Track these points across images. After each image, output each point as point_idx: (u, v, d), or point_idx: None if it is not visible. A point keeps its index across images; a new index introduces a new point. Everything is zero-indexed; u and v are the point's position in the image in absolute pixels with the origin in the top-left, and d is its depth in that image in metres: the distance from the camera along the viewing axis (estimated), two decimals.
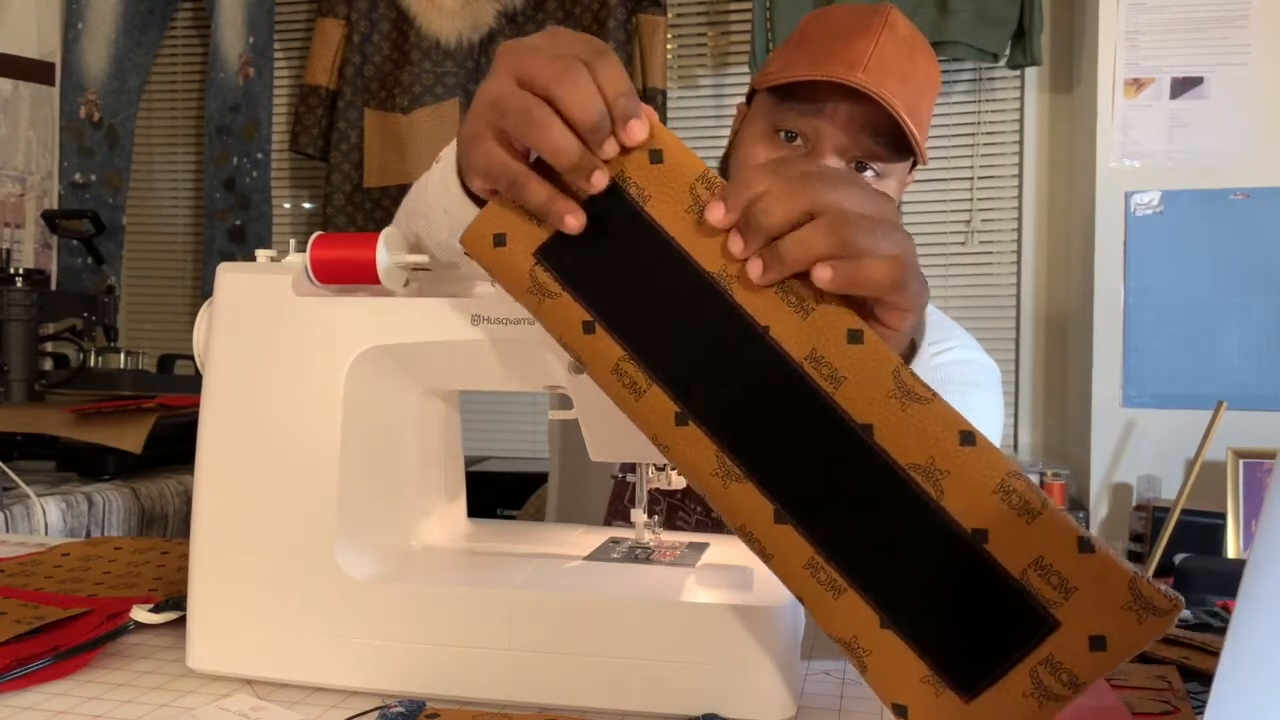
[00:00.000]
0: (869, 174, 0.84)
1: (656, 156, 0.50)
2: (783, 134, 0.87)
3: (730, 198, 0.48)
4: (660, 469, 0.66)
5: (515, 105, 0.48)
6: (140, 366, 1.93)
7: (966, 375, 0.86)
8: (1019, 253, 2.69)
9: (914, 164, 0.90)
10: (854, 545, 0.46)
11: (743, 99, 0.97)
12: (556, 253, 0.51)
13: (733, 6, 2.86)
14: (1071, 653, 0.43)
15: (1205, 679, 0.61)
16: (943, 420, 0.46)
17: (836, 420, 0.46)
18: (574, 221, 0.49)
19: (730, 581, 0.59)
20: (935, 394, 0.46)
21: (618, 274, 0.50)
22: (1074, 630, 0.43)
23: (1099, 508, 2.40)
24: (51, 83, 3.17)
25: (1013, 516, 0.44)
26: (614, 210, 0.50)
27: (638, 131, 0.48)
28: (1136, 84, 2.34)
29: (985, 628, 0.44)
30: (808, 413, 0.47)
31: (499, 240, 0.52)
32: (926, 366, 0.84)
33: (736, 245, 0.47)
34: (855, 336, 0.47)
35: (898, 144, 0.84)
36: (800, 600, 0.48)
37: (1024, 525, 0.44)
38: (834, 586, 0.47)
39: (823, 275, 0.46)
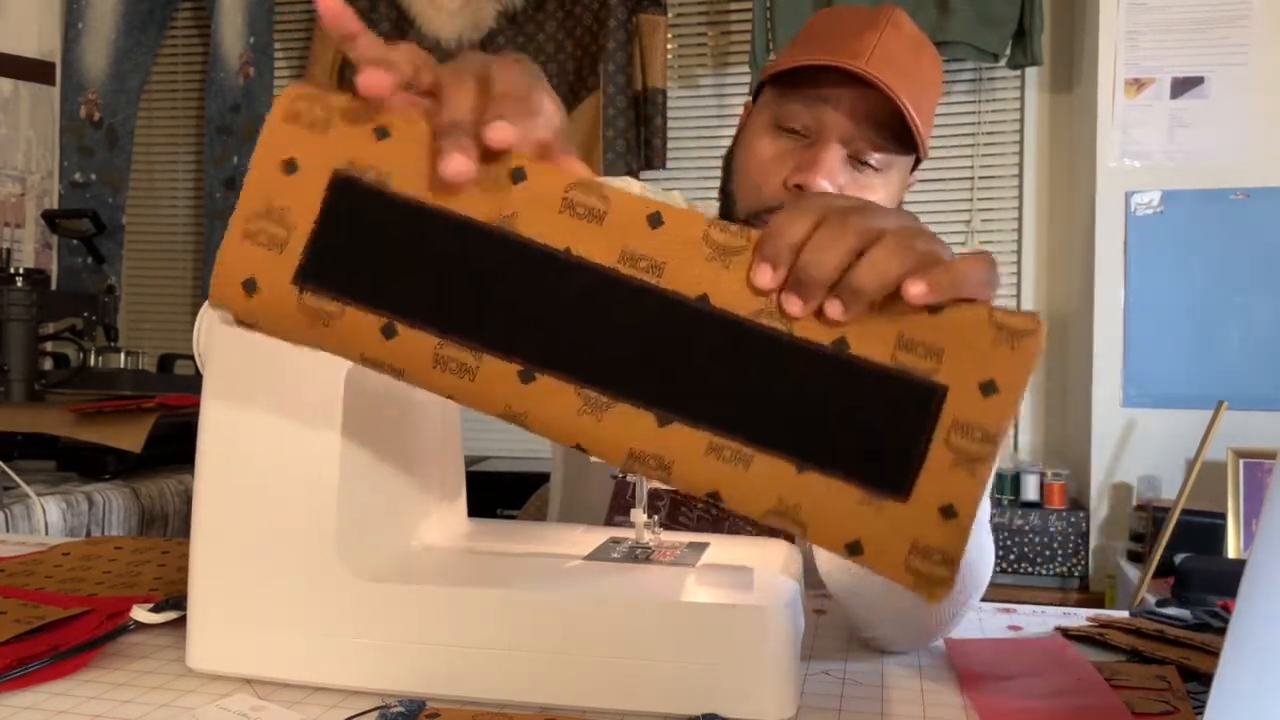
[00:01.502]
0: (871, 166, 0.84)
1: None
2: (785, 127, 0.88)
3: (770, 256, 0.45)
4: None
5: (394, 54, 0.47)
6: (140, 366, 1.94)
7: None
8: (1019, 253, 2.69)
9: (916, 163, 0.90)
10: (739, 410, 0.46)
11: (748, 98, 0.98)
12: (318, 270, 0.47)
13: (733, 6, 2.86)
14: (971, 408, 0.44)
15: (1205, 679, 0.61)
16: None
17: (672, 305, 0.46)
18: (453, 166, 0.45)
19: (730, 581, 0.59)
20: (749, 236, 0.46)
21: (395, 264, 0.47)
22: (962, 387, 0.44)
23: (1099, 508, 2.41)
24: (52, 82, 3.17)
25: (862, 316, 0.45)
26: (362, 202, 0.47)
27: (496, 135, 0.45)
28: (1137, 84, 2.34)
29: (886, 424, 0.44)
30: (644, 311, 0.46)
31: (250, 287, 0.48)
32: None
33: (794, 305, 0.45)
34: (655, 220, 0.46)
35: (900, 137, 0.85)
36: (717, 495, 0.46)
37: (871, 317, 0.45)
38: (740, 458, 0.45)
39: (915, 290, 0.44)
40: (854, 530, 0.45)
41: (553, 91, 0.49)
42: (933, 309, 0.44)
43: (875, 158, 0.85)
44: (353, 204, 0.47)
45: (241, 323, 0.49)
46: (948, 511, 0.44)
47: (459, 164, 0.44)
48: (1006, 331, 0.44)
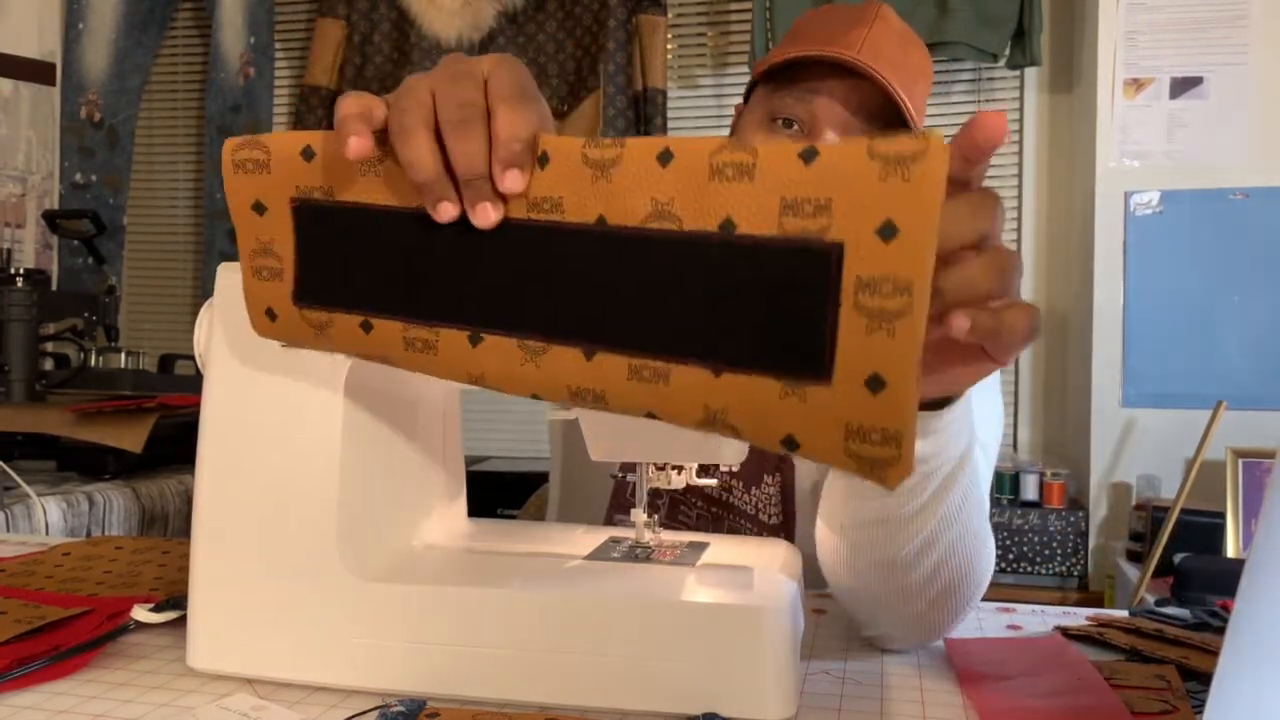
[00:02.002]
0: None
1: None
2: (779, 121, 0.88)
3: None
4: (660, 468, 0.66)
5: (402, 103, 0.47)
6: (141, 366, 1.93)
7: None
8: (1019, 252, 2.69)
9: None
10: (649, 326, 0.44)
11: (741, 99, 0.98)
12: (306, 288, 0.52)
13: (733, 6, 2.87)
14: (873, 260, 0.39)
15: (1205, 679, 0.61)
16: (639, 159, 0.44)
17: (577, 236, 0.45)
18: (484, 216, 0.46)
19: (730, 581, 0.59)
20: (622, 141, 0.44)
21: (355, 266, 0.51)
22: (857, 238, 0.39)
23: (1099, 507, 2.41)
24: (52, 83, 3.17)
25: (739, 187, 0.41)
26: (321, 219, 0.51)
27: (512, 183, 0.45)
28: (1136, 84, 2.34)
29: (786, 303, 0.41)
30: (555, 250, 0.46)
31: (271, 315, 0.54)
32: None
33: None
34: (542, 160, 0.46)
35: (894, 125, 0.85)
36: (653, 415, 0.46)
37: (751, 184, 0.41)
38: (658, 375, 0.44)
39: (961, 325, 0.42)
40: (785, 425, 0.42)
41: (538, 92, 0.49)
42: (807, 158, 0.40)
43: None
44: (314, 223, 0.51)
45: (284, 344, 0.56)
46: (875, 383, 0.39)
47: (489, 214, 0.46)
48: (893, 161, 0.38)
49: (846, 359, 0.40)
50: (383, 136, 0.48)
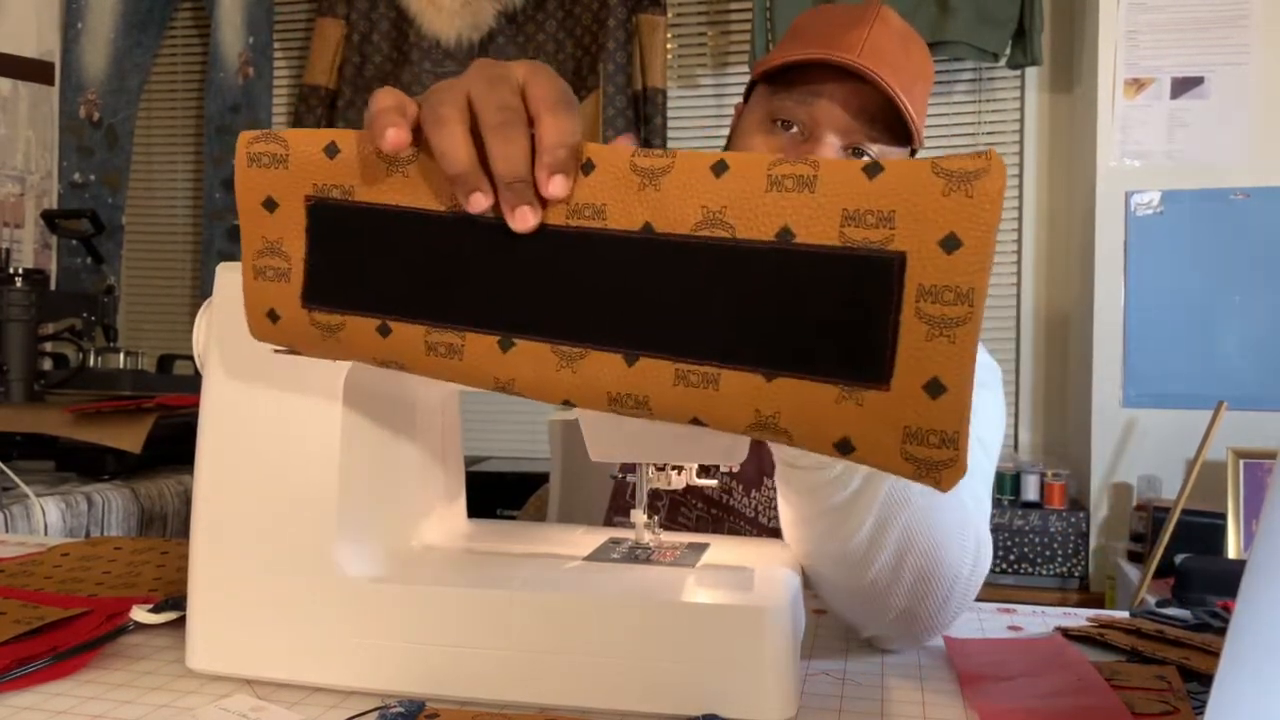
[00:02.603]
0: (867, 158, 0.84)
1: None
2: (779, 123, 0.88)
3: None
4: (660, 469, 0.66)
5: (436, 99, 0.47)
6: (140, 366, 1.93)
7: None
8: (1019, 253, 2.70)
9: (912, 154, 0.90)
10: (699, 332, 0.45)
11: (739, 100, 0.98)
12: (317, 289, 0.51)
13: (733, 6, 2.87)
14: (936, 270, 0.40)
15: (1205, 679, 0.61)
16: (691, 169, 0.44)
17: (620, 244, 0.45)
18: (523, 221, 0.46)
19: (730, 581, 0.59)
20: (673, 152, 0.45)
21: (375, 267, 0.50)
22: (921, 249, 0.41)
23: (1099, 508, 2.41)
24: (51, 82, 3.17)
25: (799, 198, 0.42)
26: (336, 218, 0.50)
27: (557, 188, 0.45)
28: (1136, 84, 2.34)
29: (847, 311, 0.42)
30: (596, 256, 0.46)
31: (273, 317, 0.52)
32: None
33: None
34: (587, 167, 0.46)
35: (894, 128, 0.85)
36: (699, 420, 0.46)
37: (812, 195, 0.42)
38: (707, 380, 0.45)
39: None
40: (839, 429, 0.43)
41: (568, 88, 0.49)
42: (870, 173, 0.41)
43: (871, 150, 0.86)
44: (330, 222, 0.50)
45: (278, 349, 0.54)
46: (934, 387, 0.41)
47: (529, 218, 0.46)
48: (956, 178, 0.40)
49: (906, 364, 0.41)
50: (413, 137, 0.47)
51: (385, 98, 0.47)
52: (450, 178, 0.46)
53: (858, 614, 0.66)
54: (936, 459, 0.41)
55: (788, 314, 0.43)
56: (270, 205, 0.51)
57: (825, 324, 0.42)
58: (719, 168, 0.44)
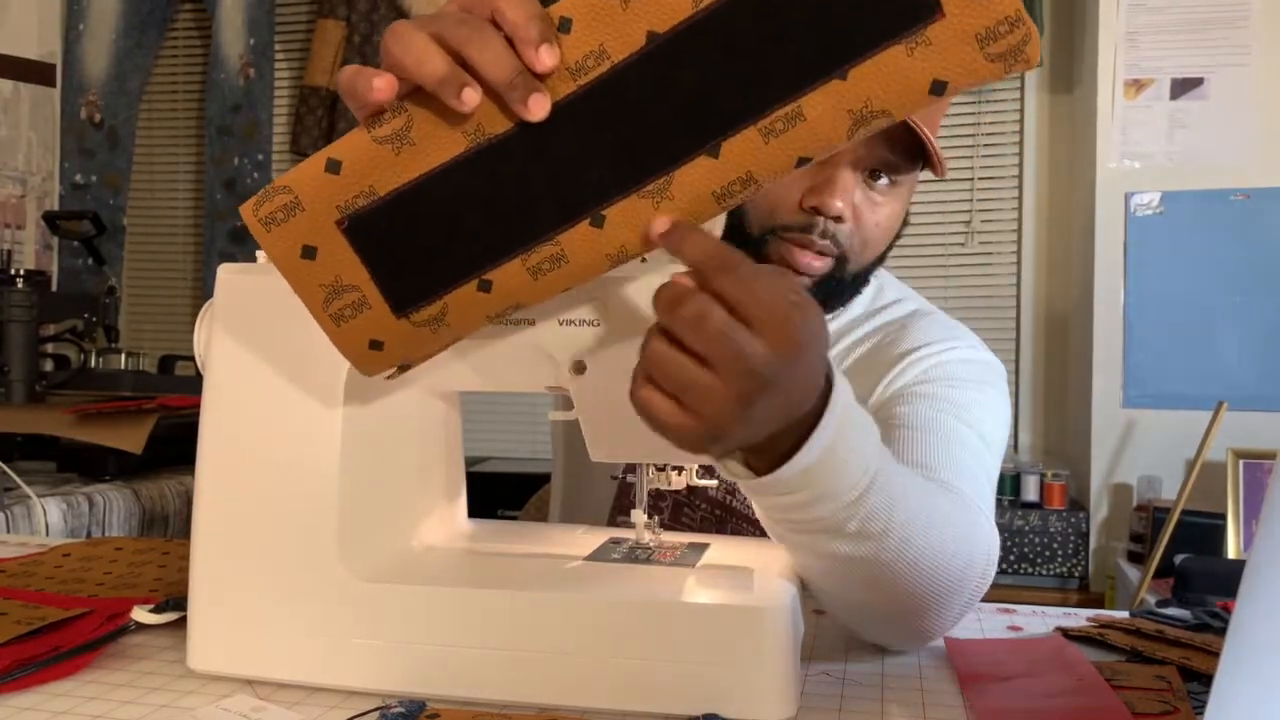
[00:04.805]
0: (883, 182, 0.83)
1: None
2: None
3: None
4: (661, 469, 0.66)
5: (397, 43, 0.46)
6: (141, 367, 1.94)
7: (972, 374, 0.86)
8: (1019, 253, 2.70)
9: (921, 166, 0.89)
10: (757, 86, 0.46)
11: None
12: (401, 295, 0.50)
13: None
14: (949, 42, 0.43)
15: (1205, 679, 0.61)
16: None
17: (640, 65, 0.46)
18: (538, 107, 0.46)
19: (730, 582, 0.59)
20: None
21: (442, 238, 0.49)
22: (955, 23, 0.43)
23: (1099, 508, 2.41)
24: (52, 84, 3.17)
25: None
26: (377, 222, 0.49)
27: (548, 57, 0.45)
28: (1136, 85, 2.34)
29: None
30: (622, 96, 0.46)
31: (376, 346, 0.51)
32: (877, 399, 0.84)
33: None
34: (564, 26, 0.46)
35: (912, 152, 0.84)
36: (805, 159, 0.47)
37: None
38: (795, 117, 0.46)
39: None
40: (926, 75, 0.45)
41: None
42: None
43: (886, 175, 0.84)
44: (372, 229, 0.49)
45: (390, 375, 0.55)
46: None
47: (542, 103, 0.46)
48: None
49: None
50: (396, 107, 0.47)
51: (346, 72, 0.47)
52: (436, 88, 0.45)
53: (863, 625, 0.66)
54: (1015, 43, 0.44)
55: (823, 9, 0.44)
56: (309, 253, 0.50)
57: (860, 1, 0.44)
58: None
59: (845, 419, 0.52)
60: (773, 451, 0.51)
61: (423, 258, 0.49)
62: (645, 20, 0.45)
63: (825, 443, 0.51)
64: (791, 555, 0.62)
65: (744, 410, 0.46)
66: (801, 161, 0.47)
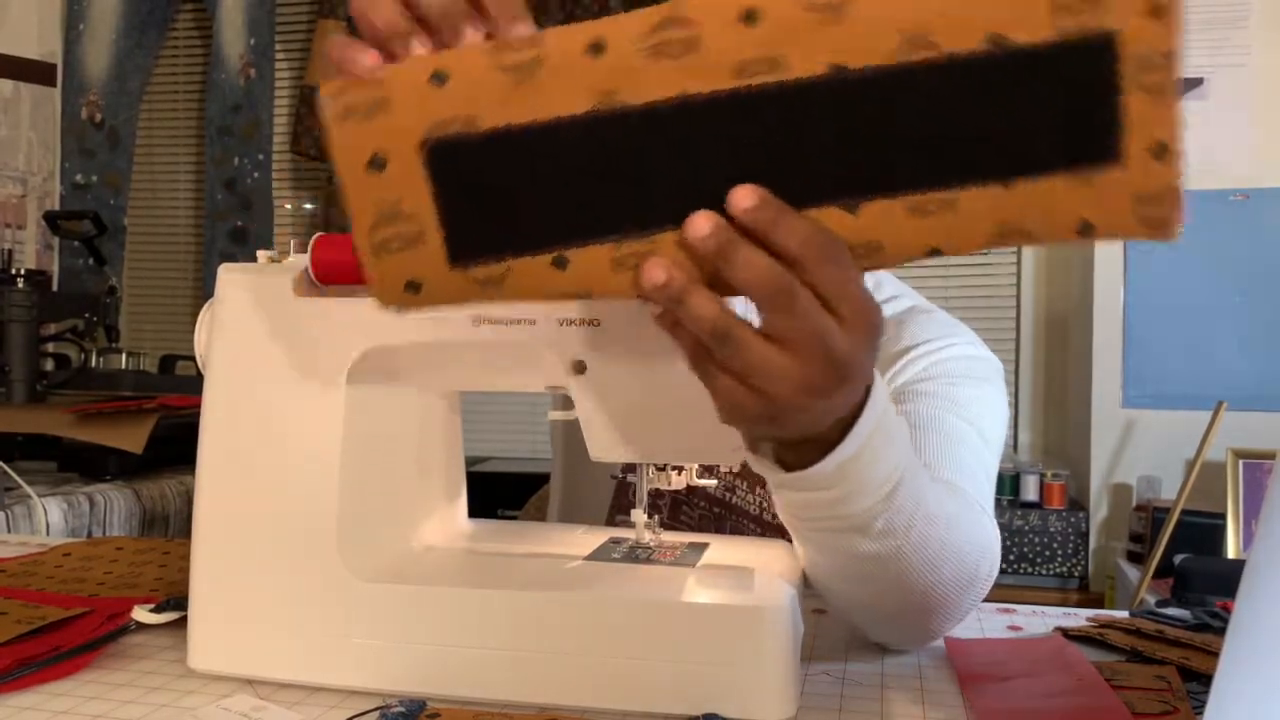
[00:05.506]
0: None
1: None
2: None
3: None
4: (660, 469, 0.66)
5: None
6: (141, 367, 1.94)
7: (969, 370, 0.86)
8: (1019, 253, 2.70)
9: None
10: (925, 159, 0.43)
11: None
12: (466, 245, 0.45)
13: None
14: (1144, 37, 0.42)
15: (1205, 679, 0.61)
16: None
17: (810, 92, 0.42)
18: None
19: (730, 582, 0.59)
20: None
21: (532, 198, 0.44)
22: (1128, 21, 0.41)
23: (1099, 508, 2.41)
24: (53, 84, 3.18)
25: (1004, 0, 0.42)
26: (465, 158, 0.43)
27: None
28: None
29: (1076, 100, 0.42)
30: (786, 113, 0.42)
31: (413, 288, 0.46)
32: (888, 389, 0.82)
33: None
34: (749, 17, 0.42)
35: None
36: (936, 250, 0.44)
37: None
38: (945, 205, 0.43)
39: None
40: (1078, 215, 0.43)
41: None
42: None
43: None
44: (458, 163, 0.43)
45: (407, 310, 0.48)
46: (1159, 150, 0.43)
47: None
48: None
49: (1135, 136, 0.42)
50: (532, 37, 0.42)
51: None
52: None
53: (869, 624, 0.66)
54: (1164, 214, 0.44)
55: (1012, 119, 0.42)
56: (378, 163, 0.44)
57: (1052, 119, 0.42)
58: None
59: (884, 414, 0.52)
60: (807, 446, 0.50)
61: (504, 212, 0.44)
62: (839, 50, 0.42)
63: (865, 437, 0.50)
64: (807, 553, 0.62)
65: (812, 398, 0.45)
66: (932, 252, 0.44)
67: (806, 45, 0.42)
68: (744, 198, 0.43)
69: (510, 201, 0.44)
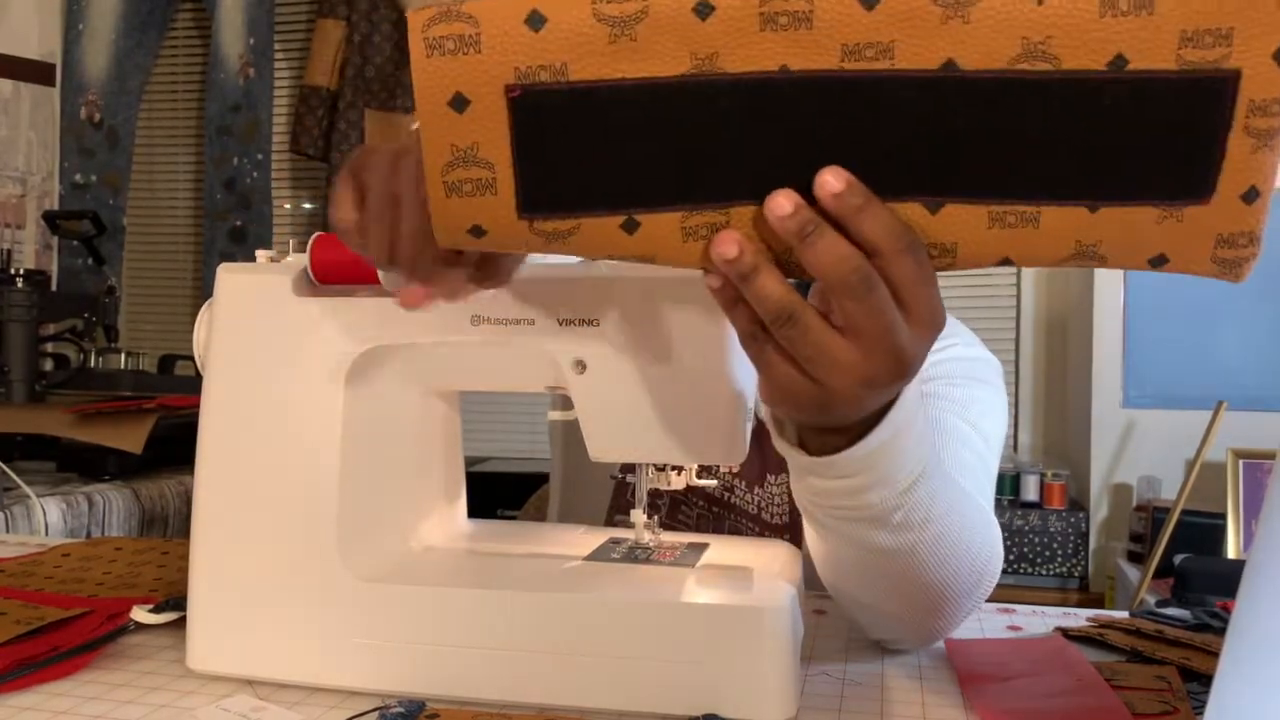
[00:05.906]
0: None
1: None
2: None
3: None
4: (660, 469, 0.66)
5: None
6: (141, 367, 1.94)
7: (970, 371, 0.86)
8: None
9: None
10: (1016, 171, 0.42)
11: None
12: (539, 198, 0.44)
13: None
14: (1264, 83, 0.40)
15: (1205, 679, 0.61)
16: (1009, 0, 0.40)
17: (916, 85, 0.41)
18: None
19: (730, 582, 0.59)
20: None
21: (611, 157, 0.43)
22: (1254, 64, 0.40)
23: (1099, 508, 2.41)
24: (52, 83, 3.18)
25: (1134, 22, 0.40)
26: (550, 108, 0.42)
27: None
28: None
29: (1181, 134, 0.41)
30: (886, 101, 0.41)
31: (477, 233, 0.45)
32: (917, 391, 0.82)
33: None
34: (870, 1, 0.40)
35: None
36: (1007, 260, 0.44)
37: (1149, 19, 0.40)
38: (1027, 219, 0.43)
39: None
40: (1156, 246, 0.43)
41: None
42: None
43: None
44: (542, 114, 0.42)
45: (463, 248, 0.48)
46: (1250, 195, 0.42)
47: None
48: None
49: (1229, 178, 0.42)
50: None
51: None
52: None
53: (874, 621, 0.66)
54: (1242, 256, 0.43)
55: (1115, 143, 0.42)
56: (460, 103, 0.42)
57: (1155, 149, 0.41)
58: None
59: (914, 408, 0.52)
60: (832, 432, 0.50)
61: (582, 168, 0.43)
62: (956, 48, 0.41)
63: (896, 427, 0.50)
64: (820, 542, 0.61)
65: (868, 390, 0.45)
66: (1004, 261, 0.44)
67: (924, 37, 0.40)
68: (832, 182, 0.42)
69: (589, 159, 0.43)
